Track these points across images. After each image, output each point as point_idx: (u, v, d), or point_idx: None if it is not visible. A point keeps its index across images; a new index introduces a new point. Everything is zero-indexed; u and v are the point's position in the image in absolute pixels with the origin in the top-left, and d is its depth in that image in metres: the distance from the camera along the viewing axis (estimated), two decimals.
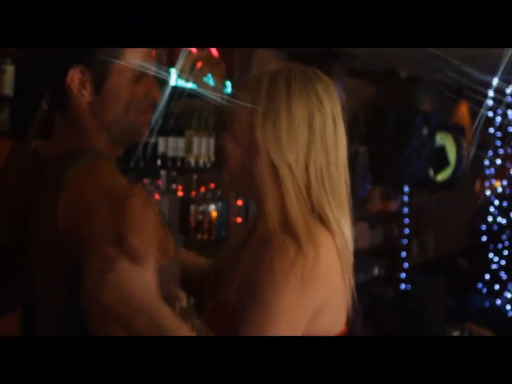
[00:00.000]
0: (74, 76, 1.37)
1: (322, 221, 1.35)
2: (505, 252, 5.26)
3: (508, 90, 5.28)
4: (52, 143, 1.44)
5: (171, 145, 3.24)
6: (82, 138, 1.40)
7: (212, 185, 3.41)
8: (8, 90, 2.50)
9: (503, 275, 5.22)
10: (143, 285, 1.25)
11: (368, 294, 4.88)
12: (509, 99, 5.34)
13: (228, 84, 3.43)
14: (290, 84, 1.35)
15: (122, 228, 1.28)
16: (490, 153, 5.42)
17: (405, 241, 5.33)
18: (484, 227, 5.39)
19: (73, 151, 1.38)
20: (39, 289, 1.33)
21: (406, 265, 5.26)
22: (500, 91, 5.25)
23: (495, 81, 5.12)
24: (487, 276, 5.24)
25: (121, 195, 1.29)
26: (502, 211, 5.35)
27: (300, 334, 1.29)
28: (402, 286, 5.22)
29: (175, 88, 3.07)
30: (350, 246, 1.40)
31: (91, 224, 1.28)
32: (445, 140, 5.39)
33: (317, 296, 1.30)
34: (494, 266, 5.27)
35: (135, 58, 1.40)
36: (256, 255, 1.31)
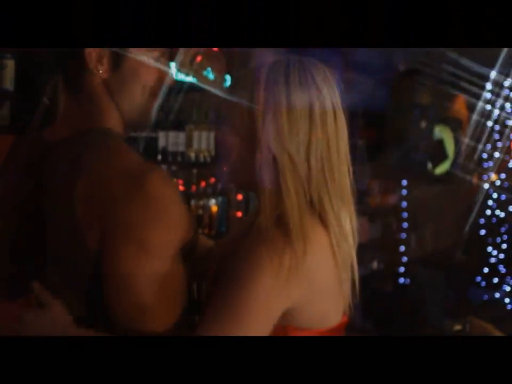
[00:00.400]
0: (93, 51, 1.34)
1: (320, 214, 1.34)
2: (504, 246, 5.25)
3: (506, 83, 5.27)
4: (59, 127, 1.41)
5: (171, 140, 3.23)
6: (93, 118, 1.37)
7: (212, 180, 3.40)
8: (9, 85, 2.48)
9: (502, 268, 5.22)
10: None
11: (366, 288, 4.88)
12: (506, 92, 5.33)
13: (228, 77, 3.42)
14: (288, 74, 1.35)
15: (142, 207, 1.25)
16: (488, 146, 5.41)
17: (404, 235, 5.32)
18: (482, 220, 5.39)
19: (84, 131, 1.35)
20: (59, 277, 1.31)
21: (404, 259, 5.26)
22: (497, 84, 5.24)
23: (493, 74, 5.11)
24: (486, 270, 5.24)
25: (140, 173, 1.26)
26: (500, 204, 5.35)
27: (272, 324, 1.29)
28: (401, 280, 5.22)
29: (175, 82, 3.05)
30: (351, 239, 1.39)
31: (112, 205, 1.25)
32: (443, 133, 5.38)
33: (299, 290, 1.30)
34: (492, 260, 5.27)
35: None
36: (249, 246, 1.31)
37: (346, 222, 1.38)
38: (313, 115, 1.34)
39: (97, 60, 1.33)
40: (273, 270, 1.26)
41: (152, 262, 1.25)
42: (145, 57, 1.38)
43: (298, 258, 1.27)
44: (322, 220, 1.34)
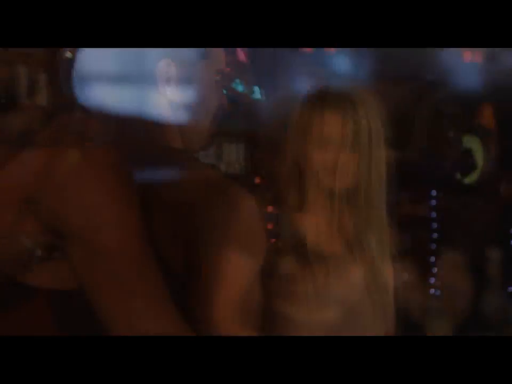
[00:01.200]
0: (165, 69, 1.32)
1: (343, 229, 1.33)
2: None
3: None
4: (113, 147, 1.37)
5: (201, 153, 3.22)
6: (157, 139, 1.35)
7: None
8: (41, 99, 2.47)
9: None
10: None
11: (397, 300, 4.83)
12: None
13: (256, 89, 3.40)
14: (327, 91, 1.34)
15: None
16: None
17: (434, 246, 5.27)
18: None
19: (154, 149, 1.33)
20: None
21: (435, 270, 5.20)
22: None
23: None
24: None
25: (225, 189, 1.25)
26: None
27: None
28: (432, 291, 5.16)
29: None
30: (384, 273, 1.37)
31: (198, 221, 1.22)
32: (471, 143, 5.34)
33: (332, 312, 1.29)
34: None
35: (219, 61, 1.36)
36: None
37: (374, 243, 1.37)
38: (345, 133, 1.33)
39: (167, 80, 1.31)
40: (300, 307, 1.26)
41: (234, 279, 1.22)
42: (211, 81, 1.36)
43: (321, 282, 1.26)
44: (344, 238, 1.32)
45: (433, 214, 5.38)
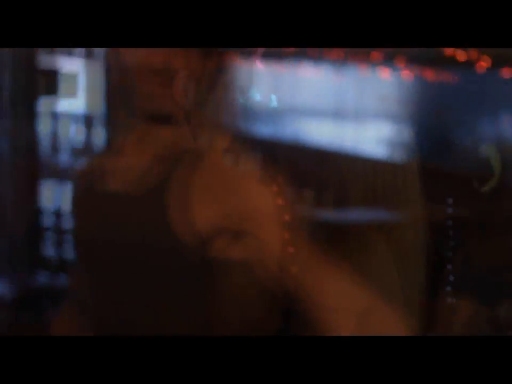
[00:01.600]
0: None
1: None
2: None
3: None
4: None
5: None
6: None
7: None
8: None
9: None
10: None
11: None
12: None
13: (273, 97, 3.43)
14: None
15: None
16: None
17: (450, 253, 5.23)
18: None
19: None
20: None
21: (451, 278, 5.17)
22: None
23: None
24: None
25: None
26: None
27: None
28: (449, 299, 5.12)
29: None
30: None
31: None
32: (489, 150, 5.31)
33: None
34: None
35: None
36: None
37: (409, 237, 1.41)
38: None
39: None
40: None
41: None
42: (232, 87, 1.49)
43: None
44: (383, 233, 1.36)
45: (450, 222, 5.34)
